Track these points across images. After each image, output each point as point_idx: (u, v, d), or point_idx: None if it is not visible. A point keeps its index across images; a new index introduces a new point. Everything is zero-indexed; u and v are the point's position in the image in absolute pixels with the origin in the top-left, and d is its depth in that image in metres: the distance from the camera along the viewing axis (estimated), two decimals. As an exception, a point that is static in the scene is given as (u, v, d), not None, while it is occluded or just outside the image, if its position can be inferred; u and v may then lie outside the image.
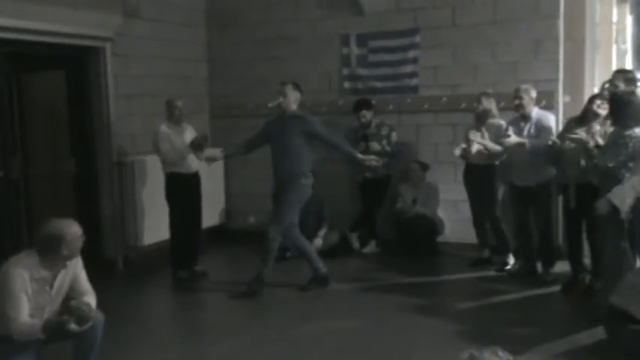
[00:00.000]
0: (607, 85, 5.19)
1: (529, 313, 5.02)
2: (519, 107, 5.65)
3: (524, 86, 5.70)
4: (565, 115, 6.16)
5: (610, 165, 4.44)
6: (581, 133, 4.95)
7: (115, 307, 4.89)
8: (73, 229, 3.47)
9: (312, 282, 5.71)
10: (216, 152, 5.94)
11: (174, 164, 5.98)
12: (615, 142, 4.49)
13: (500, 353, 2.00)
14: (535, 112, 5.68)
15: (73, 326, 3.36)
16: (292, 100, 5.66)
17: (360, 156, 5.74)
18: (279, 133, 5.62)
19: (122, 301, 5.46)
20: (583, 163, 4.99)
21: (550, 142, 5.34)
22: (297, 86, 5.73)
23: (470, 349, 1.98)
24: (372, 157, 5.80)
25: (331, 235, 7.00)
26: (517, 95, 5.65)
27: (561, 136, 5.27)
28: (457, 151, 6.04)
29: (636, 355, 3.67)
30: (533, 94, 5.69)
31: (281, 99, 5.64)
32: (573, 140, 4.95)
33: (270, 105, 5.96)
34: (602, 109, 4.99)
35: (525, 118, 5.66)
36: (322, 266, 5.75)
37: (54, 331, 3.33)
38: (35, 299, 3.38)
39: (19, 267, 3.36)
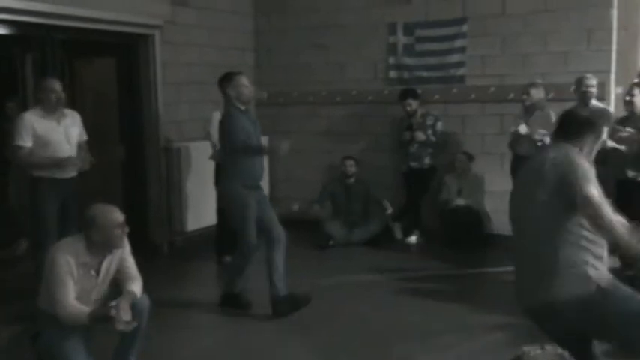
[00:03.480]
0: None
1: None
2: (585, 96, 5.54)
3: (588, 75, 5.59)
4: (616, 107, 6.01)
5: None
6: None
7: (161, 291, 4.99)
8: (108, 215, 3.46)
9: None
10: None
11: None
12: None
13: (560, 350, 1.99)
14: (593, 102, 5.57)
15: (119, 324, 3.35)
16: None
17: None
18: (255, 130, 4.93)
19: (167, 285, 5.56)
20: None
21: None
22: None
23: (523, 346, 1.98)
24: None
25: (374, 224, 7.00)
26: (585, 83, 5.55)
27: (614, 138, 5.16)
28: (522, 129, 5.94)
29: None
30: (595, 84, 5.60)
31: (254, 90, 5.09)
32: (622, 140, 4.84)
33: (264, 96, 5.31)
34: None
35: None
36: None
37: (99, 320, 3.39)
38: (81, 283, 3.45)
39: (65, 251, 3.44)
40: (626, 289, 2.80)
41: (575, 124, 2.87)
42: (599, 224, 2.67)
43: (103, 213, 3.47)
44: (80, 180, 4.99)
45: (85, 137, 5.04)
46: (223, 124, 4.87)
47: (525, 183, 2.95)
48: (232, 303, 5.00)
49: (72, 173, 4.89)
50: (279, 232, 4.88)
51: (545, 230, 2.78)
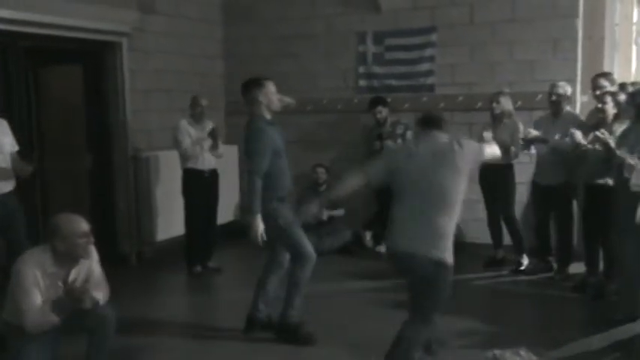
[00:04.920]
0: (598, 92, 5.31)
1: (541, 315, 4.99)
2: (555, 104, 5.62)
3: (560, 83, 5.66)
4: (582, 115, 6.10)
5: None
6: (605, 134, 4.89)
7: (129, 302, 4.92)
8: (73, 225, 3.41)
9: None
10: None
11: (192, 159, 6.01)
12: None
13: (522, 353, 1.98)
14: (566, 111, 5.66)
15: (76, 291, 3.36)
16: None
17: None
18: (283, 142, 4.59)
19: (136, 296, 5.49)
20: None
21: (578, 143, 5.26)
22: None
23: (492, 349, 1.97)
24: None
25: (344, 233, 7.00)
26: (554, 92, 5.61)
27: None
28: (487, 136, 5.95)
29: None
30: (569, 91, 5.67)
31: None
32: (599, 140, 4.88)
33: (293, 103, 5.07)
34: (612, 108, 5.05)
35: (556, 115, 5.63)
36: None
37: (65, 308, 3.34)
38: (48, 294, 3.39)
39: (31, 263, 3.39)
40: None
41: (440, 120, 3.68)
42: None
43: (67, 222, 3.42)
44: (45, 189, 4.86)
45: (16, 147, 4.57)
46: (251, 138, 4.46)
47: (428, 157, 3.53)
48: (289, 337, 4.44)
49: (6, 187, 4.48)
50: (285, 258, 4.56)
51: (445, 203, 3.48)
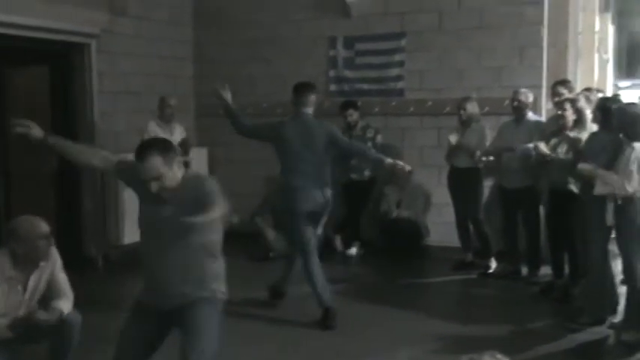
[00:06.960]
0: (557, 99, 5.44)
1: (508, 318, 5.03)
2: (517, 110, 5.70)
3: (522, 89, 5.75)
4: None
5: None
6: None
7: (94, 306, 4.85)
8: (31, 227, 3.34)
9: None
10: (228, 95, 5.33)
11: None
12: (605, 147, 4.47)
13: (499, 356, 1.99)
14: (529, 116, 5.75)
15: (41, 316, 3.29)
16: None
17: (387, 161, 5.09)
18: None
19: (101, 300, 5.40)
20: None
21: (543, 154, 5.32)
22: None
23: (469, 353, 1.97)
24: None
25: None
26: (516, 98, 5.70)
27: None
28: (452, 139, 6.09)
29: None
30: (531, 97, 5.77)
31: None
32: (569, 141, 4.98)
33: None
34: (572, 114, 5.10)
35: (519, 121, 5.71)
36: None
37: (22, 327, 3.26)
38: (7, 299, 3.31)
39: None
40: None
41: None
42: None
43: (26, 224, 3.36)
44: (9, 191, 4.79)
45: None
46: (333, 128, 5.27)
47: None
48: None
49: None
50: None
51: None
